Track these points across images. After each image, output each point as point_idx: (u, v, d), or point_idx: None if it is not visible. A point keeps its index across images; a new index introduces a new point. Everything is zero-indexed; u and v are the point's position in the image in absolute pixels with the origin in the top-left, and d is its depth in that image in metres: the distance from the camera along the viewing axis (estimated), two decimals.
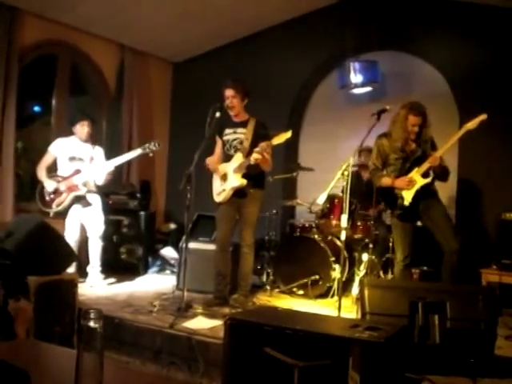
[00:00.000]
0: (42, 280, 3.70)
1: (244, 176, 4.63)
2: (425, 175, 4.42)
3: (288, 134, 4.32)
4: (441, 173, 4.46)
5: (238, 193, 4.71)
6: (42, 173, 5.42)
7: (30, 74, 6.40)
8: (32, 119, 7.63)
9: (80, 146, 5.52)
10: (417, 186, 4.39)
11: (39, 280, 3.68)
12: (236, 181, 4.64)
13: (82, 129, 5.48)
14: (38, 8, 6.11)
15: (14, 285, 3.58)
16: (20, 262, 3.69)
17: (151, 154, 5.21)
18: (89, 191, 5.41)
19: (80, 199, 5.39)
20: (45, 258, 3.89)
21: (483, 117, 4.28)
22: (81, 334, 1.11)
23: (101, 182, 5.39)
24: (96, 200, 5.52)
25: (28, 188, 7.00)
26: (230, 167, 4.71)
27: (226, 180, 4.73)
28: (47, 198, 5.35)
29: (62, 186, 5.33)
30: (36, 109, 7.83)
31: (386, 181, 4.54)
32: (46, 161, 5.49)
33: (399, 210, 4.47)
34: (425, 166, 4.39)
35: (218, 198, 4.83)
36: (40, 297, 3.64)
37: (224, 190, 4.74)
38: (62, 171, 5.45)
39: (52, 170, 5.50)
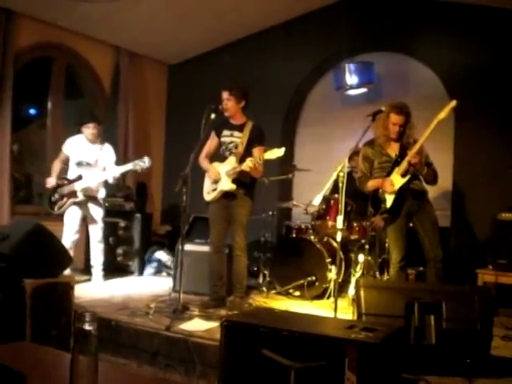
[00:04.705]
0: (38, 283, 3.69)
1: (234, 181, 4.67)
2: (405, 175, 4.39)
3: (281, 152, 4.30)
4: (426, 175, 4.43)
5: (228, 195, 4.75)
6: (54, 168, 5.73)
7: (26, 76, 6.40)
8: (28, 122, 7.62)
9: (88, 147, 5.71)
10: (396, 188, 4.39)
11: (35, 283, 3.67)
12: (226, 184, 4.68)
13: (88, 131, 5.68)
14: (34, 10, 6.10)
15: (10, 288, 3.58)
16: (16, 265, 3.69)
17: (140, 171, 5.36)
18: (88, 197, 5.61)
19: (80, 204, 5.59)
20: (41, 260, 3.88)
21: (452, 103, 4.19)
22: (76, 336, 1.12)
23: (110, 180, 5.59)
24: (96, 206, 5.72)
25: (24, 190, 7.01)
26: (222, 169, 4.76)
27: (218, 181, 4.77)
28: (52, 199, 5.61)
29: (65, 190, 5.57)
30: (31, 111, 7.81)
31: (371, 183, 4.55)
32: (60, 157, 5.77)
33: (382, 213, 4.47)
34: (403, 164, 4.35)
35: (207, 197, 4.87)
36: (36, 299, 3.63)
37: (214, 191, 4.79)
38: (70, 174, 5.69)
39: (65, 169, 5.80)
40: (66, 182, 5.61)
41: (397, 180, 4.38)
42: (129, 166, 5.32)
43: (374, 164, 4.58)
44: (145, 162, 5.19)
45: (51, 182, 5.61)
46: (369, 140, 4.63)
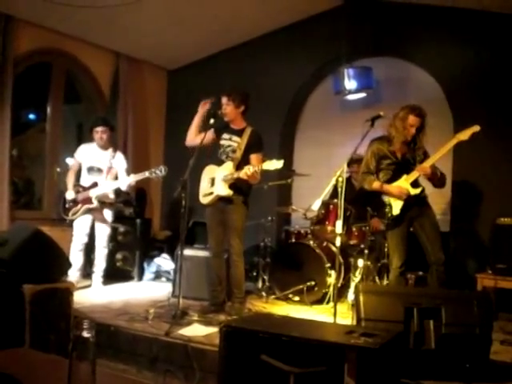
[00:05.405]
0: (38, 288, 3.69)
1: (231, 186, 4.66)
2: (414, 184, 4.40)
3: (280, 164, 4.30)
4: (437, 180, 4.45)
5: (223, 198, 4.75)
6: (69, 179, 5.82)
7: (25, 81, 6.40)
8: (27, 126, 7.63)
9: (99, 153, 5.79)
10: (411, 195, 4.38)
11: (34, 288, 3.67)
12: (223, 190, 4.68)
13: (96, 136, 5.76)
14: (33, 16, 6.10)
15: (9, 293, 3.57)
16: (15, 270, 3.68)
17: (155, 179, 5.55)
18: (102, 204, 5.68)
19: (93, 210, 5.68)
20: (40, 265, 3.88)
21: (476, 128, 4.25)
22: (74, 343, 1.12)
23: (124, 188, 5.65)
24: (107, 212, 5.79)
25: (24, 196, 7.01)
26: (218, 173, 4.75)
27: (214, 185, 4.77)
28: (67, 206, 5.71)
29: (80, 197, 5.66)
30: (31, 116, 7.83)
31: (377, 185, 4.54)
32: (73, 167, 5.89)
33: (388, 219, 4.46)
34: (414, 174, 4.37)
35: (203, 200, 4.87)
36: (35, 305, 3.63)
37: (210, 194, 4.79)
38: (82, 181, 5.79)
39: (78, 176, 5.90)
40: (80, 189, 5.69)
41: (409, 189, 4.38)
42: (145, 174, 5.30)
43: (381, 163, 4.56)
44: (161, 171, 5.16)
45: (71, 194, 5.68)
46: (378, 136, 4.59)
